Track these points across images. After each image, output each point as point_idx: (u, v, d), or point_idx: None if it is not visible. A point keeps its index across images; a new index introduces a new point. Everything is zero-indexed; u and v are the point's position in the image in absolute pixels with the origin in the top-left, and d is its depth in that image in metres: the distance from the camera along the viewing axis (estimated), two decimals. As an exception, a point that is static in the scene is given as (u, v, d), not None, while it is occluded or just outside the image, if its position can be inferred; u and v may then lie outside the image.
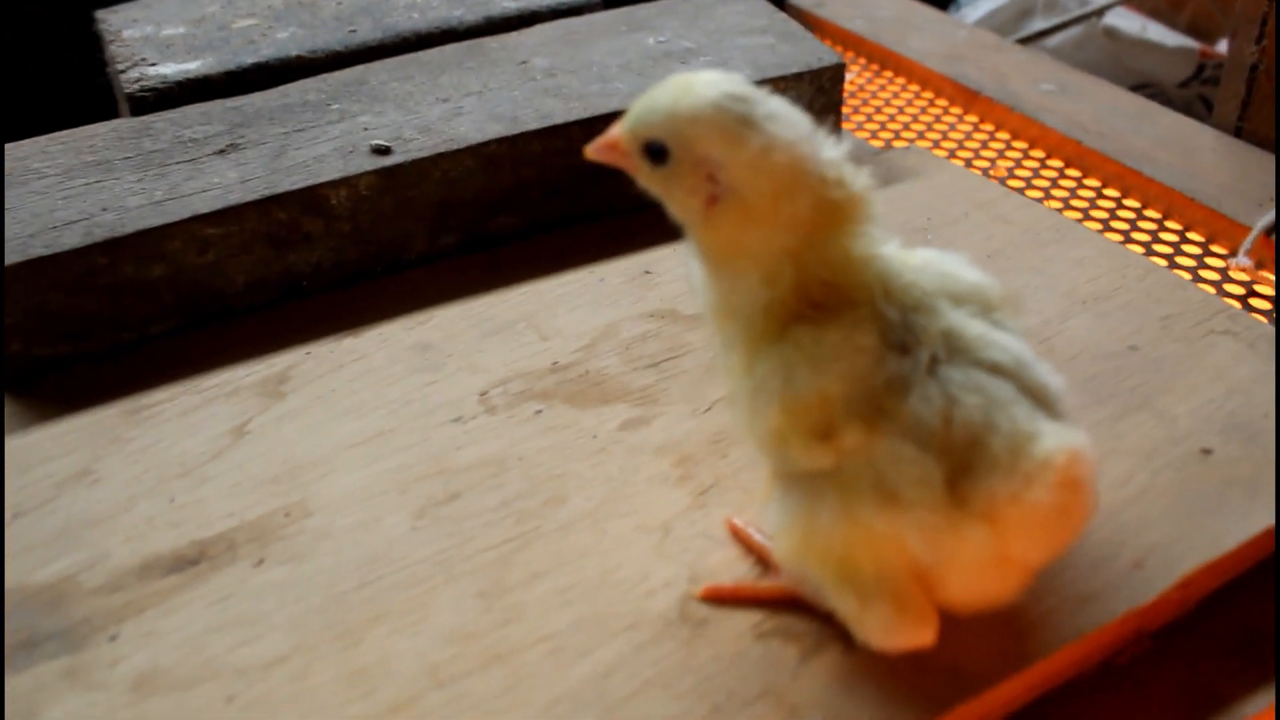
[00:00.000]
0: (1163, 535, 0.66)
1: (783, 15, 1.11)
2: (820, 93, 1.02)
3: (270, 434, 0.75)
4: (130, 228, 0.82)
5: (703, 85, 0.56)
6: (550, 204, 0.96)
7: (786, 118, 0.56)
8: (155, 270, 0.83)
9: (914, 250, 0.61)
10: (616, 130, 0.59)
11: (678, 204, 0.58)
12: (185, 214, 0.83)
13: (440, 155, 0.89)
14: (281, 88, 0.99)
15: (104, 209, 0.83)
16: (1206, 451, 0.72)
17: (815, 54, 1.03)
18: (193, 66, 1.00)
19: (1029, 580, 0.58)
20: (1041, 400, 0.57)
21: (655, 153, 0.57)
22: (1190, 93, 1.54)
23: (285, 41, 1.04)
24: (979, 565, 0.56)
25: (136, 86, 0.98)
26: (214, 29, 1.07)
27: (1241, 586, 0.68)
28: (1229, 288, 0.98)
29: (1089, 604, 0.62)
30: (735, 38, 1.06)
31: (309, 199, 0.86)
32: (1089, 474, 0.55)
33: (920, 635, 0.57)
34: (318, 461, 0.73)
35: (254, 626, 0.62)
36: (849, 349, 0.56)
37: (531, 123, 0.93)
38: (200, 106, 0.96)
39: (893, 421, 0.55)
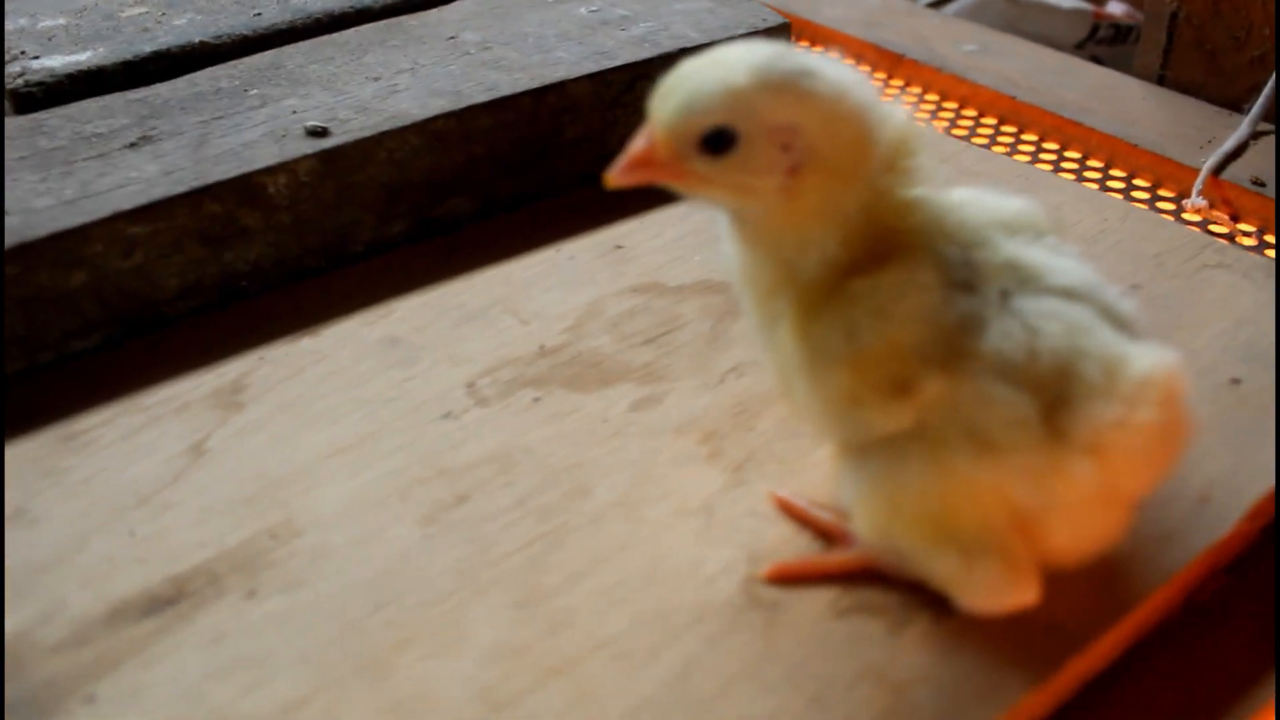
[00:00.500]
0: (1220, 468, 0.64)
1: (714, -21, 1.06)
2: (768, 54, 0.98)
3: (234, 449, 0.66)
4: (42, 230, 0.71)
5: (742, 55, 0.51)
6: (503, 182, 0.89)
7: (829, 65, 0.52)
8: (75, 278, 0.73)
9: (949, 189, 0.57)
10: (644, 141, 0.52)
11: (745, 190, 0.52)
12: (105, 211, 0.73)
13: (384, 134, 0.81)
14: (188, 76, 0.89)
15: (7, 213, 0.72)
16: (1235, 381, 0.70)
17: (758, 15, 0.99)
18: (83, 58, 0.90)
19: (1131, 519, 0.54)
20: (1119, 322, 0.54)
21: (718, 141, 0.50)
22: (1085, 53, 1.55)
23: (184, 28, 0.95)
24: (1087, 504, 0.51)
25: (20, 82, 0.87)
26: (99, 19, 0.96)
27: (1300, 514, 0.66)
28: (1213, 228, 0.97)
29: (1168, 544, 0.59)
30: (670, 3, 1.01)
31: (244, 188, 0.77)
32: (1186, 389, 0.52)
33: (1027, 592, 0.53)
34: (296, 475, 0.64)
35: (261, 668, 0.54)
36: (911, 288, 0.51)
37: (477, 95, 0.86)
38: (98, 100, 0.86)
39: (974, 363, 0.51)
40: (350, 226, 0.83)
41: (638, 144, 0.52)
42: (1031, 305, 0.52)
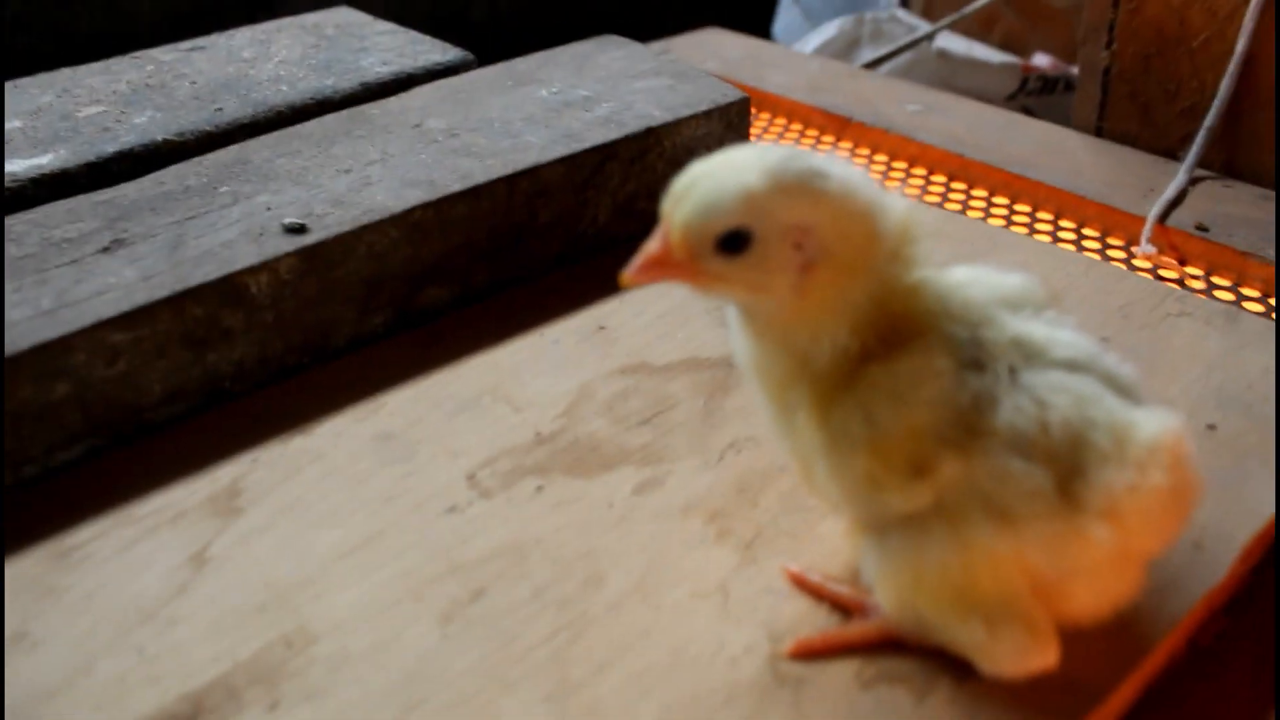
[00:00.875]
0: (1209, 514, 0.66)
1: (668, 57, 1.08)
2: (730, 129, 1.00)
3: (238, 557, 0.65)
4: (24, 343, 0.70)
5: (755, 158, 0.53)
6: (480, 269, 0.89)
7: (835, 165, 0.54)
8: (58, 390, 0.72)
9: (948, 269, 0.59)
10: (659, 242, 0.54)
11: (760, 288, 0.54)
12: (86, 321, 0.72)
13: (363, 228, 0.82)
14: (154, 175, 0.89)
15: (-14, 328, 0.71)
16: (1211, 427, 0.73)
17: (718, 91, 1.01)
18: (44, 161, 0.89)
19: (1145, 577, 0.56)
20: (1122, 389, 0.56)
21: (734, 243, 0.52)
22: (1016, 104, 1.61)
23: (146, 126, 0.94)
24: (1104, 566, 0.54)
25: (-17, 189, 0.86)
26: (56, 119, 0.96)
27: (1286, 553, 0.69)
28: (1164, 273, 1.01)
29: (1170, 592, 0.61)
30: (630, 82, 1.03)
31: (226, 289, 0.77)
32: (1192, 451, 0.55)
33: (1048, 655, 0.54)
34: (306, 580, 0.64)
35: (293, 782, 0.53)
36: (928, 374, 0.53)
37: (453, 184, 0.86)
38: (64, 203, 0.85)
39: (989, 439, 0.53)
40: (332, 322, 0.83)
41: (653, 245, 0.54)
42: (1039, 380, 0.54)
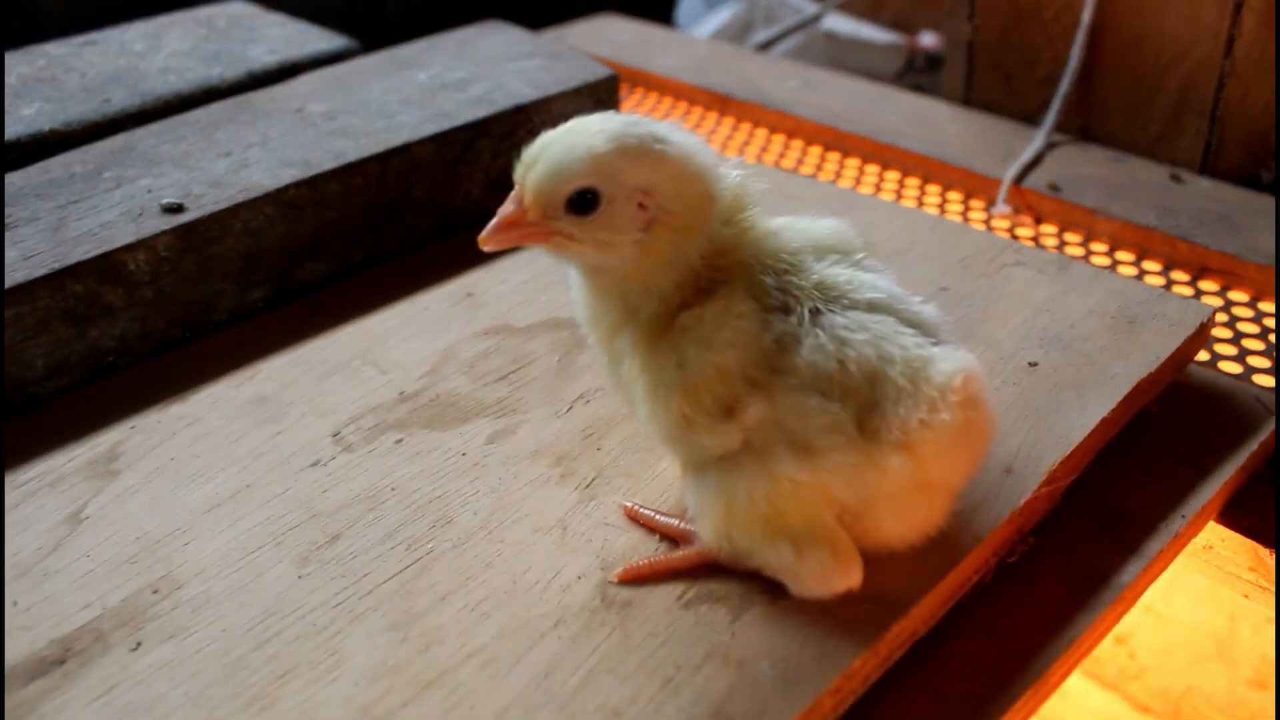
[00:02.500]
0: (1021, 442, 0.71)
1: (547, 39, 1.12)
2: (599, 105, 1.04)
3: (113, 514, 0.69)
4: (-96, 324, 0.74)
5: (600, 124, 0.58)
6: (357, 243, 0.93)
7: (675, 132, 0.59)
8: (-60, 367, 0.75)
9: (771, 219, 0.63)
10: (512, 205, 0.58)
11: (607, 245, 0.58)
12: (-34, 301, 0.76)
13: (239, 206, 0.85)
14: (40, 164, 0.92)
15: None
16: (1033, 364, 0.78)
17: (589, 69, 1.05)
18: (-68, 154, 0.92)
19: (952, 504, 0.61)
20: (923, 328, 0.60)
21: (583, 203, 0.56)
22: (907, 83, 1.66)
23: (34, 117, 0.97)
24: (905, 495, 0.58)
25: None
26: (-54, 115, 0.99)
27: (1092, 475, 0.74)
28: (1020, 231, 1.07)
29: (977, 513, 0.66)
30: (506, 64, 1.07)
31: (105, 267, 0.80)
32: (984, 389, 0.58)
33: (852, 576, 0.59)
34: (175, 532, 0.67)
35: (150, 713, 0.57)
36: (730, 317, 0.57)
37: (326, 163, 0.90)
38: (-50, 194, 0.88)
39: (791, 376, 0.57)
40: (212, 297, 0.87)
41: (507, 208, 0.58)
42: (839, 319, 0.58)
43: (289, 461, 0.72)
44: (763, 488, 0.57)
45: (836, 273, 0.61)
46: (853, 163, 1.21)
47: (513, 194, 0.58)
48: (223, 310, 0.88)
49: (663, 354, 0.58)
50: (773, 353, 0.57)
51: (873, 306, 0.59)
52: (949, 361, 0.57)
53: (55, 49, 1.14)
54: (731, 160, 0.62)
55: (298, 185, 0.88)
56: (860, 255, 0.64)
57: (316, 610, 0.62)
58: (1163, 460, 0.77)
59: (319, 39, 1.16)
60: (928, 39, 1.65)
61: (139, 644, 0.60)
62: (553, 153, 0.57)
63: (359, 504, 0.69)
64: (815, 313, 0.58)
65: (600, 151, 0.56)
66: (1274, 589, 0.78)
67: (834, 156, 1.22)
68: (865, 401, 0.56)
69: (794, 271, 0.60)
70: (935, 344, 0.59)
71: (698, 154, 0.59)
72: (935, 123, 1.22)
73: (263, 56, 1.11)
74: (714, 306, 0.58)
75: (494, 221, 0.58)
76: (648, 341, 0.59)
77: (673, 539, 0.65)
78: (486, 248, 0.59)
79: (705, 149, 0.60)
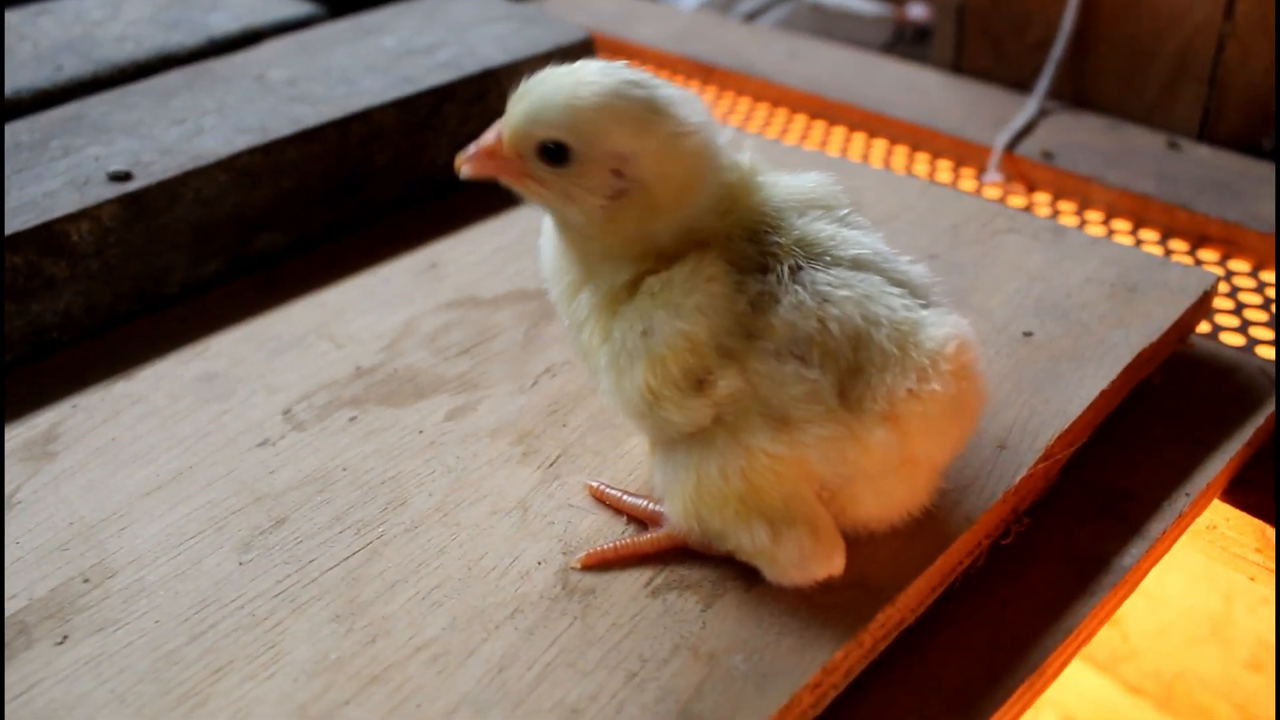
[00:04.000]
0: (1015, 415, 0.67)
1: (521, 5, 1.08)
2: (574, 69, 1.00)
3: (47, 498, 0.65)
4: None
5: (597, 74, 0.53)
6: (316, 213, 0.89)
7: (686, 101, 0.54)
8: None
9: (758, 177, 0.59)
10: (493, 135, 0.54)
11: (570, 200, 0.54)
12: (-108, 274, 0.71)
13: (189, 174, 0.81)
14: (-17, 134, 0.87)
15: None
16: (1028, 334, 0.74)
17: (562, 33, 1.01)
18: None
19: (936, 482, 0.56)
20: (911, 288, 0.55)
21: (553, 154, 0.52)
22: (897, 55, 1.61)
23: (-23, 86, 0.93)
24: (887, 472, 0.53)
25: None
26: (-115, 83, 0.94)
27: (1090, 452, 0.70)
28: (1013, 199, 1.02)
29: (968, 493, 0.62)
30: (477, 28, 1.03)
31: (45, 237, 0.76)
32: (978, 358, 0.54)
33: (833, 561, 0.54)
34: (111, 517, 0.63)
35: (73, 712, 0.53)
36: (699, 280, 0.52)
37: (283, 129, 0.86)
38: (-114, 164, 0.83)
39: (767, 340, 0.52)
40: (163, 269, 0.82)
41: (488, 136, 0.54)
42: (821, 276, 0.53)
43: (235, 441, 0.68)
44: (736, 463, 0.52)
45: (820, 228, 0.56)
46: (839, 131, 1.16)
47: (496, 123, 0.54)
48: (174, 284, 0.83)
49: (627, 321, 0.53)
50: (748, 316, 0.52)
51: (858, 264, 0.55)
52: (940, 326, 0.52)
53: (9, 17, 1.09)
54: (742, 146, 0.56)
55: (252, 152, 0.84)
56: (845, 211, 0.59)
57: (257, 600, 0.57)
58: (1164, 435, 0.72)
59: (283, 5, 1.11)
60: (916, 10, 1.60)
61: (65, 637, 0.56)
62: (535, 95, 0.53)
63: (307, 485, 0.64)
64: (795, 269, 0.53)
65: (581, 106, 0.52)
66: (1274, 569, 0.74)
67: (820, 125, 1.17)
68: (847, 367, 0.51)
69: (774, 229, 0.55)
70: (925, 306, 0.54)
71: (695, 134, 0.53)
72: (924, 90, 1.18)
73: (225, 23, 1.06)
74: (682, 270, 0.53)
75: (472, 147, 0.55)
76: (609, 306, 0.55)
77: (641, 521, 0.60)
78: (462, 174, 0.55)
79: (710, 129, 0.54)
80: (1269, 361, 0.79)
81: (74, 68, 0.98)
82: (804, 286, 0.53)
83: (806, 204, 0.58)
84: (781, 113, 1.20)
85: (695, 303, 0.52)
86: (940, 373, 0.51)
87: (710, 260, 0.53)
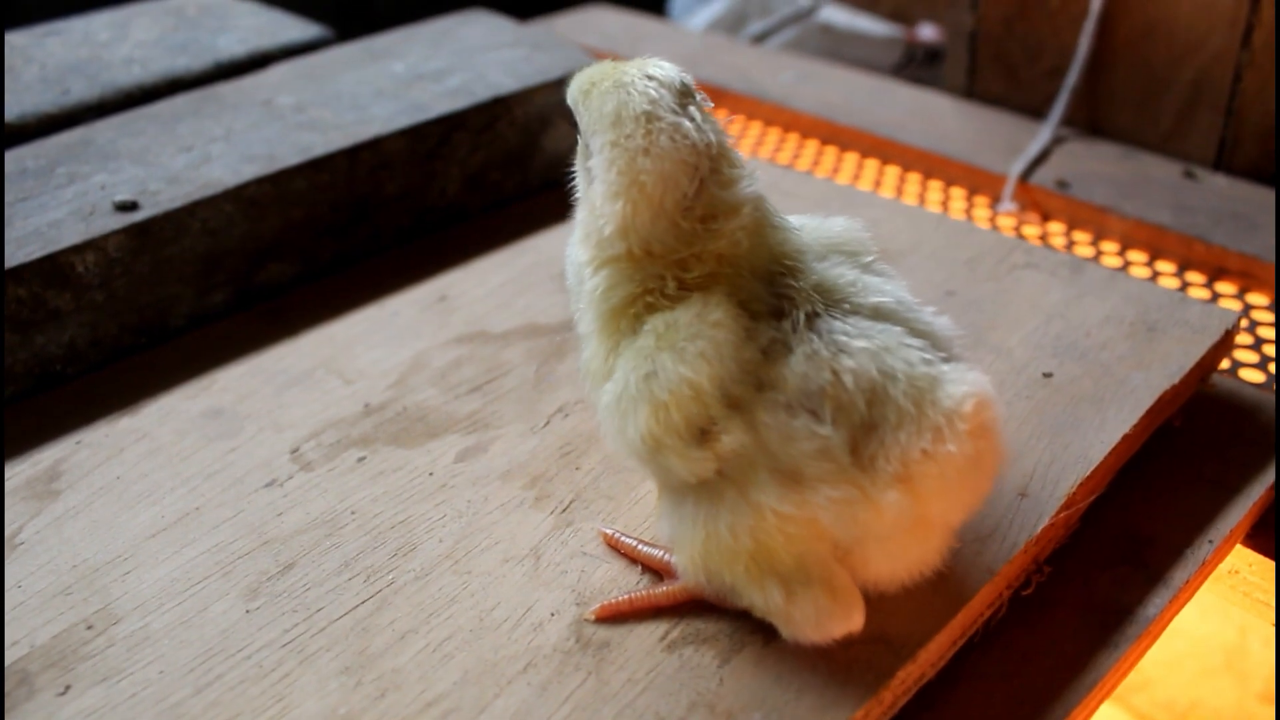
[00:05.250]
0: (1036, 461, 0.66)
1: (530, 29, 1.07)
2: (585, 96, 0.99)
3: (50, 540, 0.63)
4: None
5: (632, 66, 0.54)
6: (324, 244, 0.88)
7: (695, 124, 0.52)
8: None
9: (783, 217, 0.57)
10: None
11: (580, 173, 0.56)
12: (-105, 308, 0.70)
13: (196, 204, 0.80)
14: (-12, 161, 0.86)
15: None
16: (1048, 375, 0.73)
17: (574, 59, 1.00)
18: (-127, 149, 0.86)
19: (950, 542, 0.55)
20: (933, 340, 0.53)
21: (571, 119, 0.55)
22: (907, 76, 1.61)
23: (-17, 110, 0.92)
24: (899, 533, 0.51)
25: None
26: (-110, 107, 0.93)
27: (1110, 497, 0.69)
28: (1026, 229, 1.01)
29: (989, 543, 0.61)
30: (486, 54, 1.02)
31: (50, 269, 0.75)
32: (997, 417, 0.52)
33: (852, 619, 0.52)
34: (115, 560, 0.62)
35: (75, 766, 0.51)
36: (704, 325, 0.50)
37: (291, 158, 0.85)
38: (-110, 192, 0.82)
39: (778, 392, 0.50)
40: (169, 301, 0.81)
41: None
42: (838, 324, 0.51)
43: (242, 481, 0.67)
44: (744, 521, 0.50)
45: (840, 273, 0.54)
46: (851, 157, 1.15)
47: None
48: (180, 315, 0.82)
49: (630, 361, 0.51)
50: (758, 364, 0.50)
51: (878, 313, 0.53)
52: (959, 384, 0.50)
53: (16, 39, 1.08)
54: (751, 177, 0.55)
55: (260, 182, 0.83)
56: (870, 258, 0.57)
57: (264, 650, 0.56)
58: (1186, 479, 0.71)
59: (292, 28, 1.10)
60: (927, 31, 1.59)
61: (68, 687, 0.55)
62: (584, 71, 0.56)
63: (315, 529, 0.63)
64: (812, 316, 0.51)
65: (580, 81, 0.54)
66: (1275, 602, 0.73)
67: (831, 151, 1.16)
68: (861, 423, 0.49)
69: (791, 273, 0.53)
70: (946, 360, 0.52)
71: (668, 154, 0.51)
72: (937, 116, 1.17)
73: (231, 46, 1.05)
74: (688, 311, 0.51)
75: None
76: (611, 324, 0.53)
77: (656, 571, 0.59)
78: None
79: (713, 154, 0.52)
80: (1290, 401, 0.78)
81: (81, 91, 0.97)
82: (819, 335, 0.51)
83: (830, 248, 0.56)
84: (792, 138, 1.19)
85: (699, 349, 0.50)
86: (957, 433, 0.49)
87: (717, 303, 0.51)
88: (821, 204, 0.92)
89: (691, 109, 0.53)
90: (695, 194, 0.51)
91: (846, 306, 0.53)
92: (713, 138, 0.52)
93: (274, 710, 0.53)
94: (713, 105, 0.56)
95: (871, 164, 1.14)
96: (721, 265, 0.53)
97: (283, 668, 0.55)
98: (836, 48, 1.57)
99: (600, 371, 0.53)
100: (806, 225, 0.58)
